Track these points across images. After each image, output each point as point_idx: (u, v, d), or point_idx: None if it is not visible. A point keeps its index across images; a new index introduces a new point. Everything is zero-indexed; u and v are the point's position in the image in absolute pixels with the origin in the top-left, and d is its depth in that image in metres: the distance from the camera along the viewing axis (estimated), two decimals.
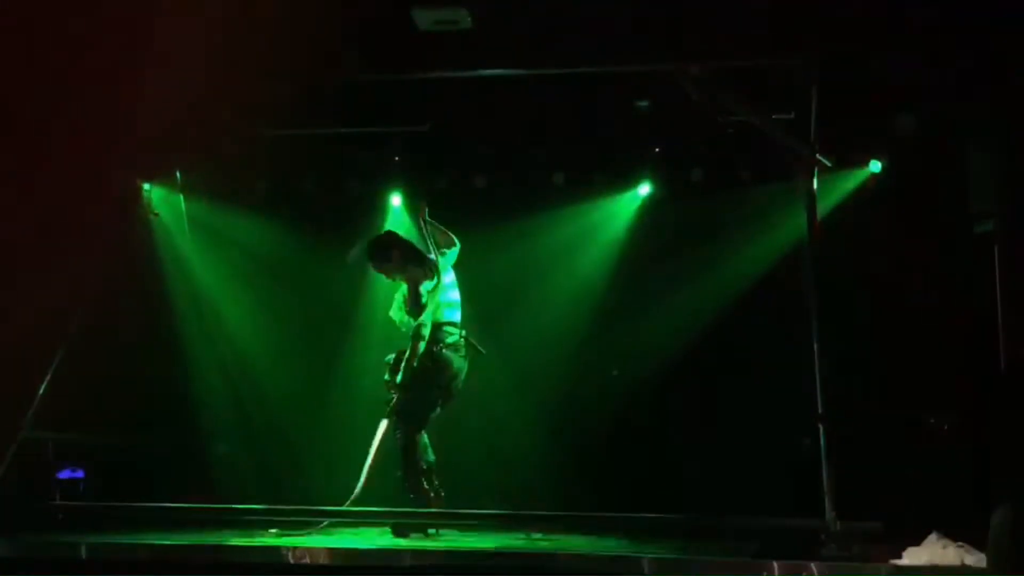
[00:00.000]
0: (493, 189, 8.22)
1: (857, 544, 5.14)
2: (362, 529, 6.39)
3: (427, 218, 6.76)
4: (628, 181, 8.25)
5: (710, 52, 6.45)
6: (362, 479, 6.32)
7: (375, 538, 6.06)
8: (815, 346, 5.69)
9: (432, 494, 6.34)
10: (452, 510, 6.42)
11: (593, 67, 6.88)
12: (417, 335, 6.49)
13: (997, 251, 6.48)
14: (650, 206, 8.24)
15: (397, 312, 6.68)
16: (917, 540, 4.94)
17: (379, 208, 8.55)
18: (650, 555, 5.01)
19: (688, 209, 8.03)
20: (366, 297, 8.39)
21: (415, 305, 6.50)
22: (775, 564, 4.73)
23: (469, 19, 6.41)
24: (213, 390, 8.33)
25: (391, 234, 7.00)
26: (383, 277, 6.97)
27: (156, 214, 8.25)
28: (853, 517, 5.27)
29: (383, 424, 6.47)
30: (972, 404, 6.61)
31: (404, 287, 6.65)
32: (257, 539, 5.73)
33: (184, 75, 6.73)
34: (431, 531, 6.28)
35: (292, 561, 4.99)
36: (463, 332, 6.63)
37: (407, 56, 6.86)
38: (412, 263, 6.63)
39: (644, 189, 8.25)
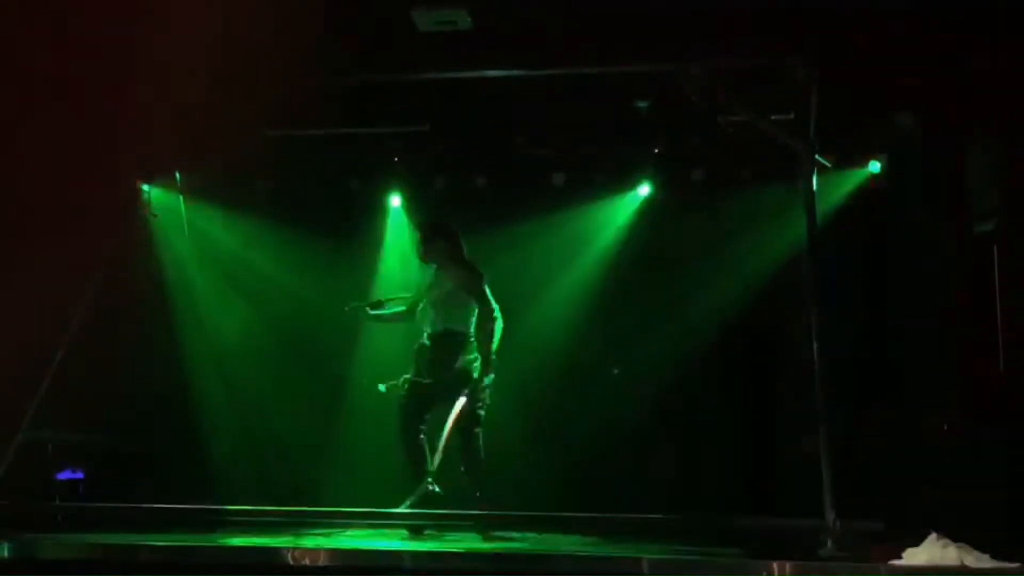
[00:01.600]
0: (493, 189, 8.22)
1: (856, 544, 5.13)
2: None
3: None
4: (628, 182, 8.26)
5: (710, 52, 6.45)
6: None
7: (381, 539, 6.04)
8: (814, 346, 5.68)
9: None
10: (450, 511, 6.42)
11: (593, 67, 6.88)
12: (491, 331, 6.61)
13: (997, 251, 6.48)
14: (650, 207, 8.24)
15: (429, 312, 6.74)
16: (916, 540, 4.94)
17: (379, 208, 8.56)
18: (649, 555, 5.00)
19: (688, 210, 8.03)
20: (366, 296, 8.40)
21: (484, 302, 6.62)
22: (774, 564, 4.72)
23: (469, 20, 6.43)
24: (212, 390, 8.32)
25: (447, 224, 6.99)
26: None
27: (155, 215, 8.25)
28: (852, 517, 5.27)
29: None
30: (972, 403, 6.61)
31: (436, 292, 6.71)
32: (256, 539, 5.72)
33: (184, 75, 6.73)
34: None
35: (291, 562, 4.98)
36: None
37: (407, 56, 6.87)
38: (458, 264, 6.71)
39: (644, 190, 8.25)
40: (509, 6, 6.52)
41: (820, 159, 6.12)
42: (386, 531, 6.30)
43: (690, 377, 7.87)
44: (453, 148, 8.12)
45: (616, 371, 8.15)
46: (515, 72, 6.96)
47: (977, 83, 6.39)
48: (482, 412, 6.62)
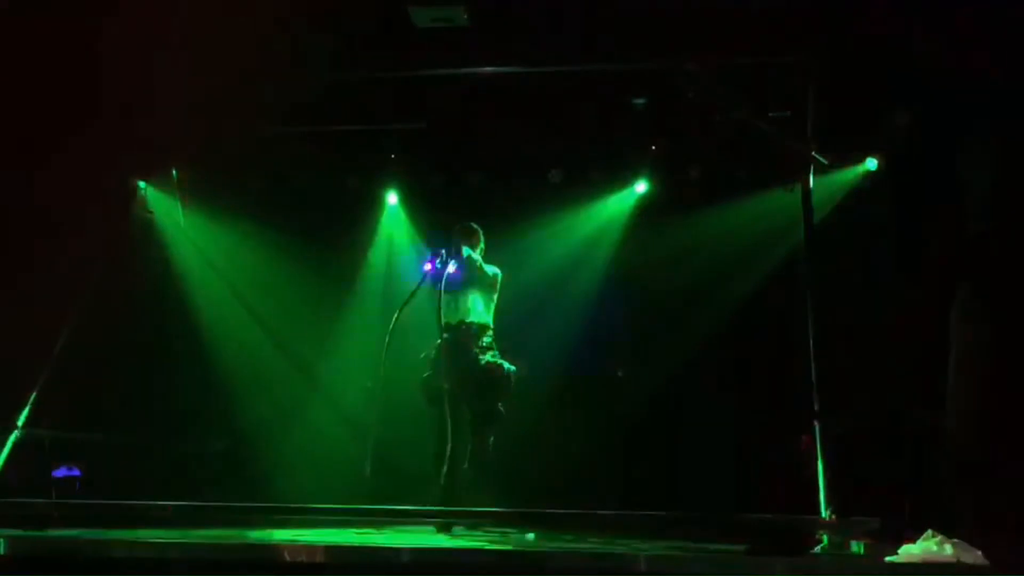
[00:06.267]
0: (490, 186, 8.22)
1: (853, 541, 5.14)
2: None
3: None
4: (625, 179, 8.26)
5: (707, 50, 6.46)
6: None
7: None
8: (811, 343, 5.69)
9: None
10: (452, 508, 6.42)
11: (589, 65, 6.88)
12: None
13: (993, 249, 6.48)
14: (646, 204, 8.25)
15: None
16: (913, 537, 4.95)
17: (375, 206, 8.56)
18: (647, 553, 5.01)
19: (684, 207, 8.04)
20: (361, 295, 8.41)
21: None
22: (771, 561, 4.73)
23: (465, 17, 6.43)
24: (209, 387, 8.31)
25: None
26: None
27: (151, 212, 8.26)
28: (849, 514, 5.28)
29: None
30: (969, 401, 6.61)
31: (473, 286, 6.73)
32: (257, 535, 5.72)
33: (181, 74, 6.74)
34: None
35: (288, 559, 4.97)
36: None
37: (404, 54, 6.87)
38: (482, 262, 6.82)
39: (641, 187, 8.26)
40: (506, 3, 6.53)
41: (817, 156, 6.13)
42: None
43: (689, 374, 7.88)
44: (450, 145, 8.12)
45: (620, 373, 8.15)
46: (512, 69, 6.97)
47: (974, 81, 6.39)
48: (501, 408, 6.65)
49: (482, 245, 6.89)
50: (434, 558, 5.04)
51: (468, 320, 6.68)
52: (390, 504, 6.39)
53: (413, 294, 6.61)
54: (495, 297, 6.81)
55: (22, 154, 6.92)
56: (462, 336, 6.61)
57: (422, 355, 6.71)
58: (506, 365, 6.67)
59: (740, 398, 7.69)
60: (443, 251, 6.60)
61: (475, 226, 6.93)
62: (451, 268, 6.55)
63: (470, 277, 6.64)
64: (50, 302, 7.29)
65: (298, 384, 8.50)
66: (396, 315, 6.59)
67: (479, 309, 6.72)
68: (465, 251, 6.59)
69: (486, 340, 6.70)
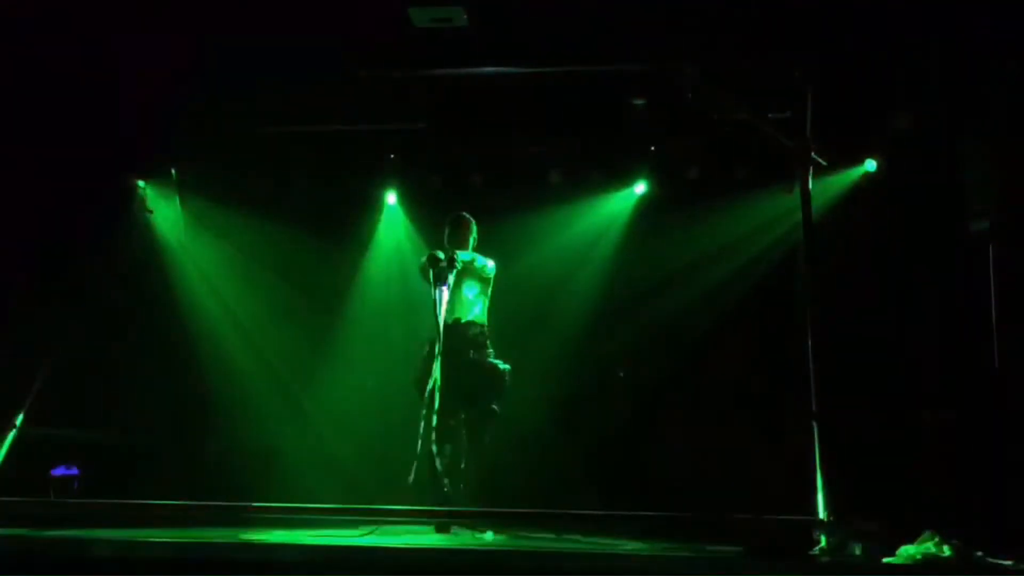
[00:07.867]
0: (490, 186, 8.22)
1: (851, 542, 5.15)
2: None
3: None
4: (624, 180, 8.26)
5: (707, 51, 6.47)
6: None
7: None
8: (809, 344, 5.70)
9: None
10: (455, 508, 6.42)
11: (589, 65, 6.89)
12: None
13: (992, 249, 6.50)
14: (646, 204, 8.25)
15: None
16: (911, 538, 4.95)
17: (375, 206, 8.56)
18: (645, 553, 5.02)
19: (683, 208, 8.04)
20: (361, 294, 8.40)
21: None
22: (770, 562, 4.73)
23: (464, 17, 6.43)
24: (208, 387, 8.31)
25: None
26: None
27: (150, 211, 8.26)
28: (848, 515, 5.28)
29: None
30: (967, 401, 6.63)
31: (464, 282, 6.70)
32: (255, 536, 5.72)
33: (181, 72, 6.74)
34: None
35: (288, 559, 4.97)
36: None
37: (403, 54, 6.88)
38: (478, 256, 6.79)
39: (640, 188, 8.26)
40: (505, 4, 6.53)
41: (816, 157, 6.13)
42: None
43: (688, 373, 7.88)
44: (449, 145, 8.12)
45: (621, 374, 8.15)
46: (511, 69, 6.97)
47: (973, 81, 6.40)
48: (496, 408, 6.63)
49: (475, 235, 6.88)
50: (433, 558, 5.04)
51: (464, 319, 6.68)
52: (388, 504, 6.40)
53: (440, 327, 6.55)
54: (489, 291, 6.79)
55: (22, 152, 6.92)
56: (457, 335, 6.59)
57: (423, 351, 6.69)
58: (500, 364, 6.65)
59: (739, 398, 7.70)
60: (439, 254, 6.58)
61: (467, 216, 6.91)
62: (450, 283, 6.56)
63: (466, 273, 6.65)
64: (49, 301, 7.29)
65: (297, 383, 8.49)
66: (437, 349, 6.47)
67: (474, 307, 6.71)
68: (459, 258, 6.57)
69: (481, 339, 6.69)
